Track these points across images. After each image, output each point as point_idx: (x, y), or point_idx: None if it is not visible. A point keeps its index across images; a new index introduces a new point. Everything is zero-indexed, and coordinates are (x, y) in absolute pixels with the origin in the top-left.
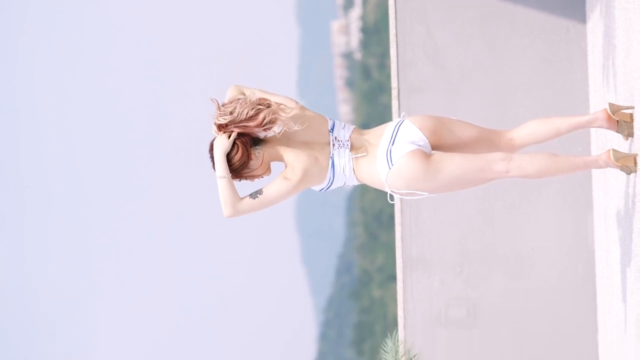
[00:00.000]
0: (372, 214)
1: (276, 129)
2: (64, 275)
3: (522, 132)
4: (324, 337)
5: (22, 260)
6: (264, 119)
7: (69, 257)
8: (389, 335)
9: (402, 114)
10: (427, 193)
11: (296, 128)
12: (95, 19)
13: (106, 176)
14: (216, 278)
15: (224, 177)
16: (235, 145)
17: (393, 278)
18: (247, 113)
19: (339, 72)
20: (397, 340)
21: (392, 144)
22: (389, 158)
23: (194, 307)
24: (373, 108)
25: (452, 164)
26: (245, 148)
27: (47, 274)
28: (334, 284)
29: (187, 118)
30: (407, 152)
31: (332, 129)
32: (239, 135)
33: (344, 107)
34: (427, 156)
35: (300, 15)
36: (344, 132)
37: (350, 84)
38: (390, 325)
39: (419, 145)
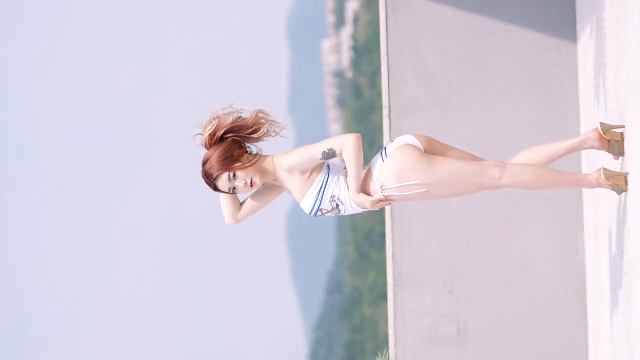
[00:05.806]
0: (363, 232)
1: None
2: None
3: (517, 163)
4: (314, 356)
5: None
6: (255, 117)
7: (62, 266)
8: (379, 354)
9: None
10: (419, 183)
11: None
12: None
13: (103, 190)
14: (206, 298)
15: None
16: (227, 141)
17: (384, 297)
18: (232, 118)
19: (330, 91)
20: (388, 359)
21: (388, 145)
22: (383, 154)
23: (184, 327)
24: (364, 127)
25: (446, 160)
26: (236, 142)
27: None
28: (324, 303)
29: (174, 139)
30: (402, 143)
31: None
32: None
33: (335, 126)
34: (421, 151)
35: (291, 34)
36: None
37: (341, 102)
38: (381, 343)
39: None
